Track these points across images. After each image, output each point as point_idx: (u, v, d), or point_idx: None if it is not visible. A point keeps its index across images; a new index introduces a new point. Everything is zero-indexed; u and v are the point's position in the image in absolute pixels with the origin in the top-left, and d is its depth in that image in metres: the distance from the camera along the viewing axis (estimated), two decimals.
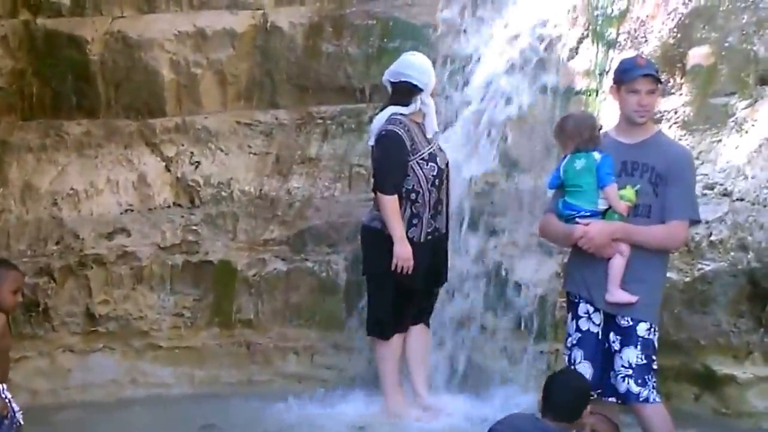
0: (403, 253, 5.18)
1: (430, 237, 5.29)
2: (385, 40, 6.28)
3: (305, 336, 6.02)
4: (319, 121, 6.33)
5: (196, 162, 6.33)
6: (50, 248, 6.12)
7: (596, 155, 4.38)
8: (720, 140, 5.44)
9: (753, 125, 5.36)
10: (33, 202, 6.26)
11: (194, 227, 6.20)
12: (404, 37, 6.24)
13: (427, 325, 5.48)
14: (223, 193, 6.27)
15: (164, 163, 6.35)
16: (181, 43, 6.41)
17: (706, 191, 5.27)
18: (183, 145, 6.37)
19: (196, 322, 6.10)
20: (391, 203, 5.20)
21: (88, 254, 6.10)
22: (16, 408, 4.25)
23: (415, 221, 5.26)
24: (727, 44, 5.61)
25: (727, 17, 5.67)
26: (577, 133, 4.44)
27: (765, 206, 5.16)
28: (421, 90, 5.28)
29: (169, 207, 6.29)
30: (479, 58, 6.07)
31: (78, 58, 6.43)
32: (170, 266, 6.11)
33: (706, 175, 5.33)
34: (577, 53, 5.99)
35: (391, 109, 5.30)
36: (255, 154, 6.33)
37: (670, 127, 5.52)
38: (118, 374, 6.04)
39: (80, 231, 6.17)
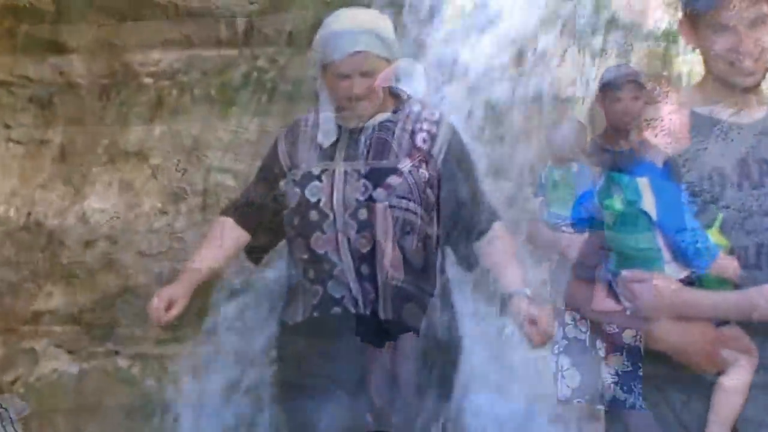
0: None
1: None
2: None
3: None
4: None
5: (183, 169, 6.32)
6: (35, 256, 6.09)
7: (574, 165, 4.41)
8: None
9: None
10: (17, 210, 6.23)
11: (180, 235, 6.18)
12: None
13: (417, 333, 5.47)
14: (210, 201, 6.27)
15: (150, 171, 6.34)
16: (167, 50, 6.40)
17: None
18: (169, 153, 6.36)
19: (183, 330, 6.08)
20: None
21: (73, 262, 6.07)
22: (14, 417, 4.26)
23: (407, 229, 5.25)
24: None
25: None
26: (562, 143, 4.47)
27: (751, 214, 5.17)
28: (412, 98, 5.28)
29: (155, 215, 6.28)
30: (466, 66, 6.10)
31: (62, 65, 6.41)
32: (156, 274, 6.10)
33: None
34: (563, 61, 6.02)
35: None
36: (241, 162, 6.33)
37: (656, 135, 5.54)
38: (104, 383, 6.02)
39: (65, 239, 6.14)
